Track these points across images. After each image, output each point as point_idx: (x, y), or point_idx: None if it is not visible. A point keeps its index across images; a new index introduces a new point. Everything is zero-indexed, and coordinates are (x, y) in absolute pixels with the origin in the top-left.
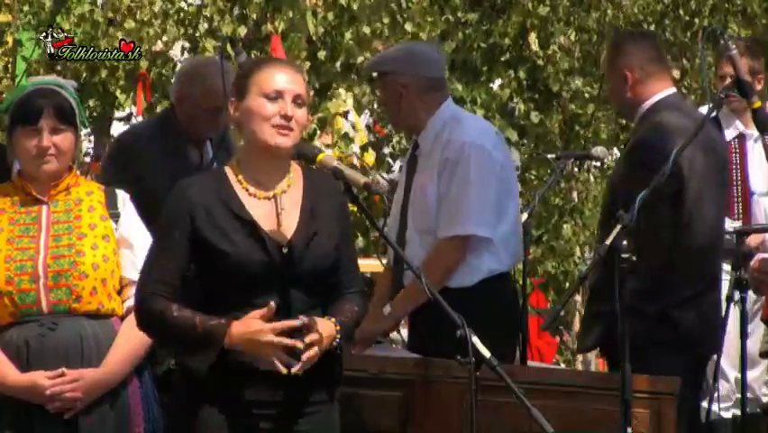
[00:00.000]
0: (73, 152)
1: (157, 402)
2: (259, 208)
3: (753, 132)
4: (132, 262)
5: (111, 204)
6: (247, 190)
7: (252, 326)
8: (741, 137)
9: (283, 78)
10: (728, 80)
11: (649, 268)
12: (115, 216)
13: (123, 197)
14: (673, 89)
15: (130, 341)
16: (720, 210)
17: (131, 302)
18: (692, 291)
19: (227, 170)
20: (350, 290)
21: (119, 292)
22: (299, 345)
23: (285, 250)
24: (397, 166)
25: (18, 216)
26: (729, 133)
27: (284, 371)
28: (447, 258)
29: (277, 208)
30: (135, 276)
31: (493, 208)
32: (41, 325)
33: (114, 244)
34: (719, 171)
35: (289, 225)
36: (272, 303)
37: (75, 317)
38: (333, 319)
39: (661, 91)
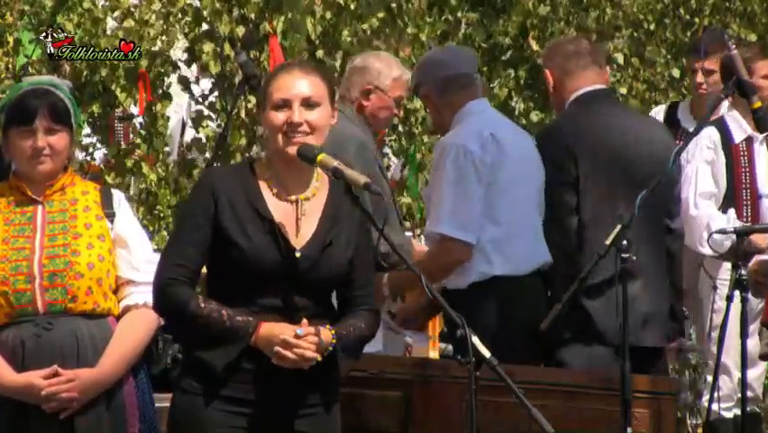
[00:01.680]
0: (68, 151)
1: (152, 402)
2: (280, 209)
3: (761, 134)
4: (128, 262)
5: (107, 204)
6: (272, 191)
7: (285, 331)
8: (749, 140)
9: (290, 85)
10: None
11: (559, 254)
12: (111, 216)
13: (118, 196)
14: (600, 86)
15: (125, 341)
16: (615, 204)
17: (126, 302)
18: (599, 279)
19: (256, 166)
20: (361, 307)
21: (115, 292)
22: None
23: (298, 254)
24: (396, 166)
25: (13, 217)
26: (737, 136)
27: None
28: (426, 258)
29: (297, 213)
30: (131, 276)
31: (473, 211)
32: (36, 325)
33: (110, 243)
34: (620, 168)
35: (307, 231)
36: (305, 321)
37: (70, 317)
38: (333, 330)
39: (583, 87)
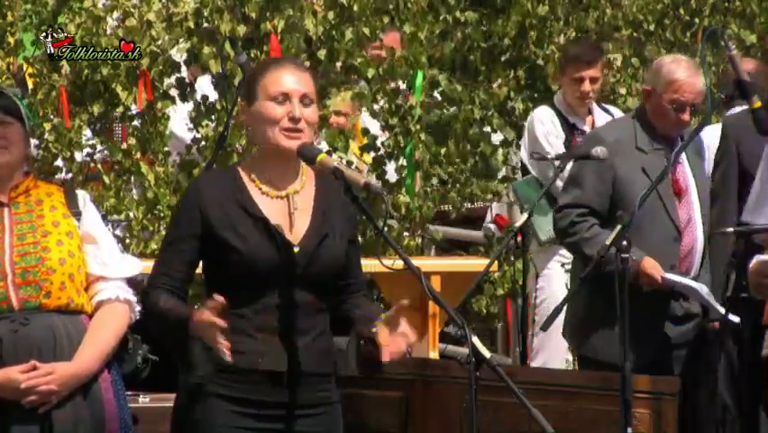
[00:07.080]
0: (22, 146)
1: (125, 400)
2: (271, 207)
3: None
4: (98, 258)
5: (72, 203)
6: (260, 189)
7: (205, 316)
8: None
9: (290, 80)
10: None
11: None
12: (77, 215)
13: (83, 196)
14: None
15: (101, 334)
16: None
17: (99, 297)
18: None
19: (240, 168)
20: (359, 293)
21: (86, 289)
22: (221, 324)
23: (296, 249)
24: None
25: None
26: None
27: (228, 359)
28: None
29: (289, 208)
30: (102, 272)
31: None
32: (12, 321)
33: (78, 240)
34: None
35: (302, 226)
36: (222, 299)
37: (46, 313)
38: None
39: None
